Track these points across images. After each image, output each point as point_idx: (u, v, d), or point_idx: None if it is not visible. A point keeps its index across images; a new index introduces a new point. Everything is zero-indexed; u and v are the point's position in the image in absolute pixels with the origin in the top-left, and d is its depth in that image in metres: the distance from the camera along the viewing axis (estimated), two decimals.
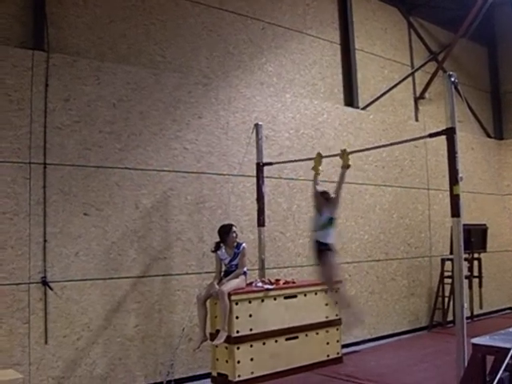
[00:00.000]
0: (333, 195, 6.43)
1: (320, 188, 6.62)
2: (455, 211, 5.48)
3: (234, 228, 6.65)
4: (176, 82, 7.30)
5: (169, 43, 7.43)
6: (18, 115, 6.02)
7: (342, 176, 6.38)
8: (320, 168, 6.81)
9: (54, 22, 6.46)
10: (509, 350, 3.76)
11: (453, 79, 5.58)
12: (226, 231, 6.60)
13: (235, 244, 6.60)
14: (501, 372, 3.74)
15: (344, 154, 6.45)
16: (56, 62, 6.32)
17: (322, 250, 6.34)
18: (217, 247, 6.61)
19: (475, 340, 4.20)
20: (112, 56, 6.90)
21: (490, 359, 4.16)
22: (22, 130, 6.03)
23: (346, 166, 6.39)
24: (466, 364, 4.76)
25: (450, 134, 5.52)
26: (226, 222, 6.80)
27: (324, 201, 6.45)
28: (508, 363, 3.76)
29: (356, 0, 10.04)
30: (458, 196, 5.46)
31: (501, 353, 3.86)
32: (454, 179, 5.47)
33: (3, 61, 5.97)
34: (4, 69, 5.97)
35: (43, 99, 6.19)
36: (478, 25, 10.51)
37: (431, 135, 5.88)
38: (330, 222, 6.38)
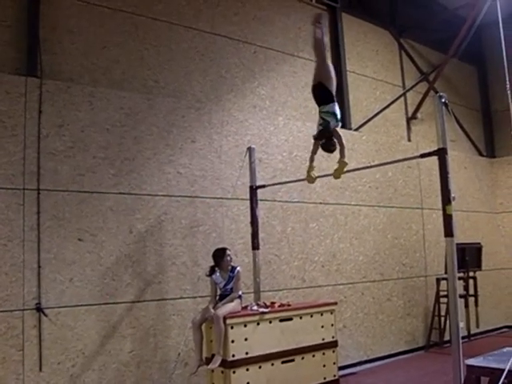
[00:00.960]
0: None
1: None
2: (448, 231, 5.49)
3: (228, 251, 6.64)
4: (169, 107, 7.35)
5: (162, 68, 7.50)
6: (11, 141, 6.04)
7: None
8: (314, 173, 6.75)
9: (48, 49, 6.51)
10: (503, 370, 3.76)
11: (443, 100, 5.63)
12: (220, 255, 6.59)
13: (230, 268, 6.58)
14: None
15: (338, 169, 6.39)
16: (49, 88, 6.36)
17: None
18: (211, 271, 6.59)
19: (469, 361, 4.21)
20: (105, 82, 6.94)
21: (485, 380, 4.16)
22: (16, 156, 6.05)
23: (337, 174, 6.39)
24: None
25: (441, 154, 5.55)
26: (221, 246, 6.79)
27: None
28: (503, 383, 3.76)
29: (347, 22, 10.16)
30: (450, 216, 5.47)
31: (495, 374, 3.86)
32: (446, 199, 5.49)
33: None
34: None
35: (37, 125, 6.22)
36: (467, 45, 10.67)
37: (423, 155, 5.91)
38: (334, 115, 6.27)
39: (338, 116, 6.30)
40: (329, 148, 6.32)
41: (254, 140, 8.12)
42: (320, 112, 6.36)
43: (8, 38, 6.29)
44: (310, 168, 6.68)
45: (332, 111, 6.26)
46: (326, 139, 6.26)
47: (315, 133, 6.40)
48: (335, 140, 6.25)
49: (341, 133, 6.32)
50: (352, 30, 10.27)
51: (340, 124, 6.37)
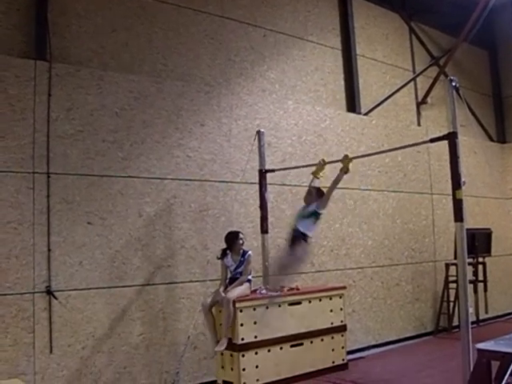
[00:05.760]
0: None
1: (316, 185, 6.64)
2: (458, 216, 5.46)
3: (240, 235, 6.66)
4: (178, 90, 7.32)
5: (171, 52, 7.46)
6: (20, 125, 6.04)
7: (338, 178, 6.34)
8: (321, 174, 6.78)
9: (57, 32, 6.49)
10: None
11: (454, 84, 5.57)
12: (232, 238, 6.61)
13: (241, 251, 6.60)
14: (506, 377, 3.72)
15: (346, 159, 6.39)
16: (58, 71, 6.35)
17: (298, 236, 6.25)
18: (223, 254, 6.61)
19: (480, 345, 4.18)
20: (114, 65, 6.92)
21: (495, 364, 4.14)
22: (25, 139, 6.06)
23: (344, 171, 6.35)
24: (471, 369, 4.73)
25: (451, 138, 5.51)
26: (233, 229, 6.80)
27: (315, 196, 6.43)
28: None
29: (357, 6, 10.07)
30: (460, 201, 5.44)
31: (506, 358, 3.84)
32: (456, 184, 5.46)
33: (6, 71, 6.00)
34: (7, 79, 6.00)
35: (46, 109, 6.22)
36: (479, 29, 10.52)
37: (432, 140, 5.87)
38: (315, 214, 6.31)
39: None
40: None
41: (264, 124, 8.09)
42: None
43: (17, 21, 6.27)
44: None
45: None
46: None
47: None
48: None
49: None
50: (362, 14, 10.17)
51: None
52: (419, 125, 10.96)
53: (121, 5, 7.09)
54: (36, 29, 6.35)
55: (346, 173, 6.36)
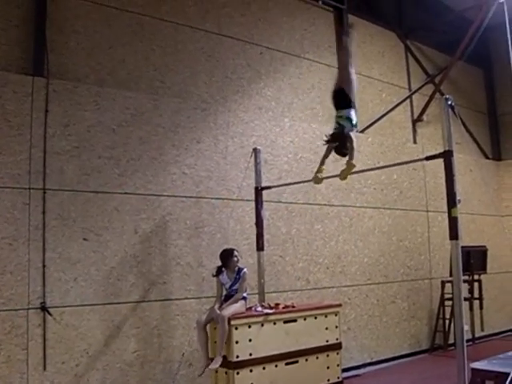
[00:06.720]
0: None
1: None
2: (454, 234, 5.46)
3: (235, 252, 6.64)
4: (175, 107, 7.36)
5: (168, 69, 7.50)
6: (17, 141, 6.06)
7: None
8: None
9: (54, 49, 6.53)
10: (508, 374, 3.74)
11: (449, 102, 5.60)
12: (227, 255, 6.59)
13: (236, 268, 6.59)
14: None
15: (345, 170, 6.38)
16: (56, 87, 6.38)
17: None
18: (218, 271, 6.59)
19: (474, 365, 4.20)
20: (111, 82, 6.96)
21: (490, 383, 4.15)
22: (22, 155, 6.07)
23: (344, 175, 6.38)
24: None
25: (447, 156, 5.53)
26: (228, 247, 6.80)
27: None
28: None
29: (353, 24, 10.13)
30: (456, 218, 5.45)
31: (500, 377, 3.85)
32: (451, 202, 5.47)
33: (3, 87, 6.03)
34: (4, 94, 6.03)
35: (43, 125, 6.24)
36: (474, 47, 10.60)
37: (428, 158, 5.89)
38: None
39: (354, 121, 6.35)
40: (341, 151, 6.33)
41: (260, 141, 8.12)
42: (336, 117, 6.42)
43: (15, 37, 6.31)
44: (319, 170, 6.66)
45: (347, 116, 6.32)
46: (339, 143, 6.28)
47: (327, 136, 6.40)
48: (348, 144, 6.26)
49: (355, 137, 6.31)
50: (358, 32, 10.20)
51: (355, 129, 6.41)
52: (415, 142, 11.01)
53: (118, 22, 7.14)
54: (34, 45, 6.39)
55: (343, 178, 6.42)
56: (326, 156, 6.58)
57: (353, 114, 6.35)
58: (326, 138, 6.38)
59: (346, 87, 6.41)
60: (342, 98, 6.40)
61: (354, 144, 6.26)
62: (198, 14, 7.93)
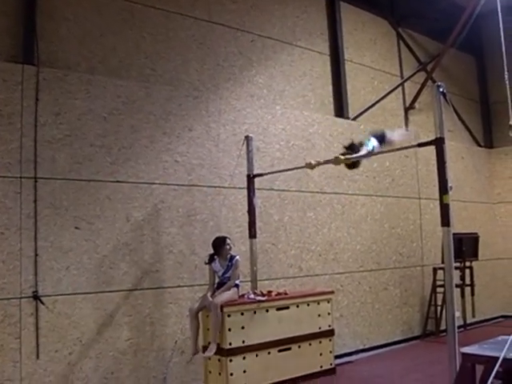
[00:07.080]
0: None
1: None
2: (445, 220, 5.48)
3: (228, 240, 6.63)
4: (166, 95, 7.33)
5: (159, 56, 7.47)
6: (8, 130, 6.03)
7: None
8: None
9: (45, 37, 6.48)
10: (497, 358, 3.78)
11: (441, 89, 5.59)
12: (220, 243, 6.57)
13: (229, 256, 6.59)
14: (490, 380, 3.76)
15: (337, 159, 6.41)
16: (46, 76, 6.34)
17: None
18: (211, 259, 6.59)
19: (464, 349, 4.23)
20: (102, 70, 6.92)
21: (480, 368, 4.18)
22: (13, 144, 6.04)
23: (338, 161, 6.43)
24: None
25: (438, 144, 5.53)
26: (220, 234, 6.80)
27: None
28: (498, 371, 3.78)
29: (345, 12, 10.12)
30: (447, 205, 5.46)
31: (490, 362, 3.88)
32: (443, 189, 5.47)
33: None
34: None
35: (33, 113, 6.21)
36: (466, 35, 10.62)
37: (420, 145, 5.89)
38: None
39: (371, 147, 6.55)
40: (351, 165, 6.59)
41: (252, 129, 8.11)
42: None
43: (4, 25, 6.26)
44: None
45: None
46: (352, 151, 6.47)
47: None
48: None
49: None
50: (350, 19, 10.23)
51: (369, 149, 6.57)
52: (407, 130, 11.01)
53: (109, 10, 7.09)
54: (24, 33, 6.34)
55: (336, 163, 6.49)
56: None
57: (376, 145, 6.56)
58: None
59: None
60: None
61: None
62: (189, 1, 7.89)
